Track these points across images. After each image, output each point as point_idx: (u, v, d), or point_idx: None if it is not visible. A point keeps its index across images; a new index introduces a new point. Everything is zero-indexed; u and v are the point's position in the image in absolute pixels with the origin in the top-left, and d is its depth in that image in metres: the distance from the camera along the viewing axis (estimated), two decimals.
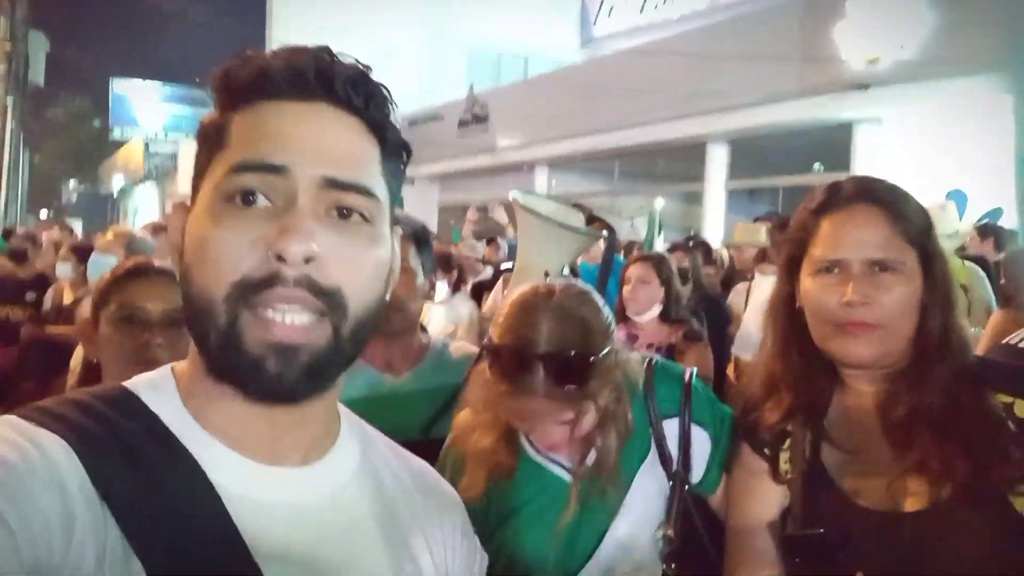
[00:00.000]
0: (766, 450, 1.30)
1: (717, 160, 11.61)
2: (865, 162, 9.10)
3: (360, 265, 0.71)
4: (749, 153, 11.25)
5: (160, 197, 27.35)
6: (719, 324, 4.44)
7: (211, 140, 0.73)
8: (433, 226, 12.79)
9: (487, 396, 1.33)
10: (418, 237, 1.81)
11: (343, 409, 0.84)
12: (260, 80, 0.71)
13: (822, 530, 1.16)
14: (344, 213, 0.70)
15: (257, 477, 0.71)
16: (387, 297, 0.77)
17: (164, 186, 27.16)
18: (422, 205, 16.49)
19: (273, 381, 0.66)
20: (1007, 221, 6.49)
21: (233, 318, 0.66)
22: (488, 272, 6.64)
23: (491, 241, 8.15)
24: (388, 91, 0.76)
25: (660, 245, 5.33)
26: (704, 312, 4.11)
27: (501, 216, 10.00)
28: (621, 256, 5.15)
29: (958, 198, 7.25)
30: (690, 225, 11.61)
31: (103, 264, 3.64)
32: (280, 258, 0.65)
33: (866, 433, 1.22)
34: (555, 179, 15.02)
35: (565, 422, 1.29)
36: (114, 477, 0.64)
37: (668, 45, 11.38)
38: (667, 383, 1.44)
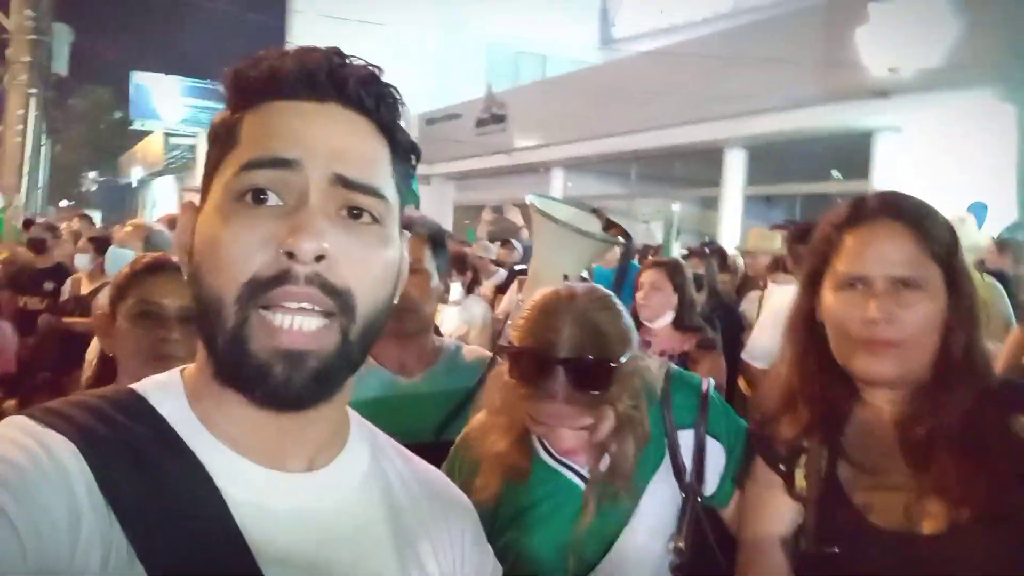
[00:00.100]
0: (781, 465, 1.29)
1: (735, 165, 11.54)
2: (884, 171, 9.02)
3: (370, 266, 0.70)
4: (767, 159, 11.18)
5: (178, 190, 27.55)
6: (733, 332, 4.41)
7: (221, 139, 0.73)
8: (448, 225, 12.77)
9: (505, 399, 1.33)
10: (434, 239, 1.81)
11: (353, 414, 0.84)
12: (271, 80, 0.71)
13: (837, 549, 1.15)
14: (354, 213, 0.70)
15: (263, 482, 0.71)
16: (395, 300, 0.77)
17: (183, 179, 27.36)
18: (438, 204, 16.52)
19: (280, 387, 0.66)
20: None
21: (242, 320, 0.66)
22: (502, 274, 6.63)
23: (505, 243, 8.13)
24: (399, 92, 0.76)
25: (676, 250, 5.29)
26: (718, 320, 4.09)
27: (516, 217, 10.00)
28: (636, 261, 5.12)
29: (978, 210, 7.18)
30: (706, 230, 11.55)
31: (121, 257, 3.67)
32: (291, 256, 0.65)
33: (884, 451, 1.20)
34: (571, 181, 14.99)
35: (583, 427, 1.29)
36: (120, 481, 0.64)
37: (688, 48, 11.33)
38: (684, 392, 1.43)
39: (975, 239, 5.56)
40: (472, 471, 1.39)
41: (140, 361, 1.47)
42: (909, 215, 1.20)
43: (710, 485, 1.40)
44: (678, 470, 1.39)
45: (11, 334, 3.71)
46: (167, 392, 0.73)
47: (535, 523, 1.36)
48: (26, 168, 14.35)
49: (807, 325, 1.30)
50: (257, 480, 0.71)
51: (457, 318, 4.51)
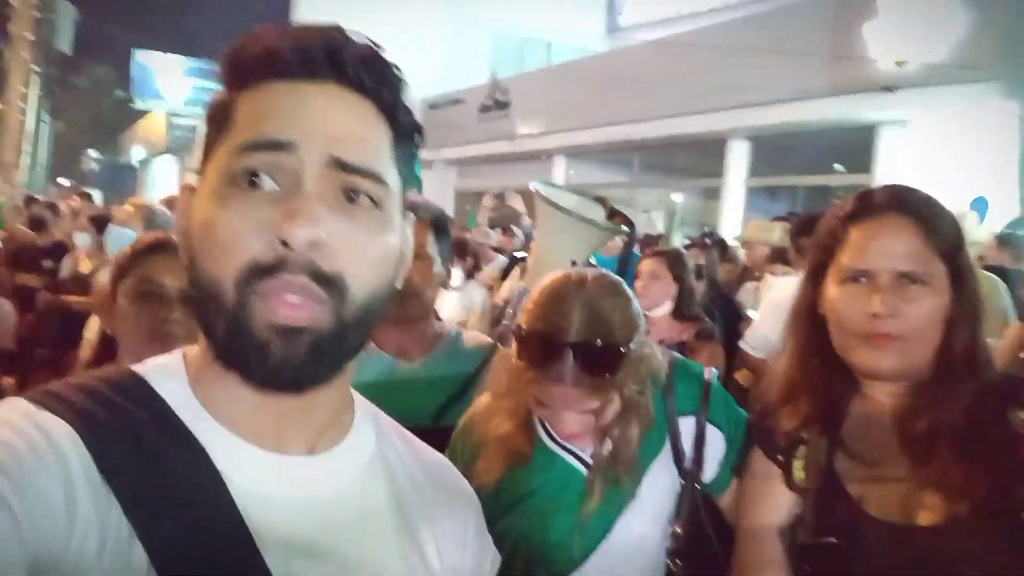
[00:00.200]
0: (780, 456, 1.30)
1: (738, 156, 11.52)
2: (887, 165, 9.01)
3: (366, 251, 0.69)
4: (770, 151, 11.16)
5: (179, 170, 27.48)
6: (733, 322, 4.42)
7: (217, 121, 0.71)
8: (449, 211, 12.69)
9: (512, 382, 1.34)
10: (437, 224, 1.81)
11: (358, 398, 0.83)
12: (267, 59, 0.69)
13: (835, 540, 1.16)
14: (352, 197, 0.68)
15: (264, 466, 0.70)
16: (398, 284, 0.76)
17: (184, 159, 27.28)
18: (440, 189, 16.49)
19: (278, 366, 0.65)
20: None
21: (242, 302, 0.65)
22: (501, 260, 6.62)
23: (506, 229, 8.12)
24: (401, 71, 0.73)
25: (678, 241, 5.28)
26: (718, 310, 4.09)
27: (517, 204, 9.98)
28: (638, 251, 5.12)
29: (980, 205, 7.17)
30: (707, 221, 11.54)
31: (122, 236, 3.67)
32: (285, 243, 0.64)
33: (883, 444, 1.21)
34: (573, 169, 14.96)
35: (590, 411, 1.30)
36: (120, 463, 0.64)
37: (693, 38, 11.27)
38: (686, 380, 1.44)
39: (976, 235, 5.55)
40: (474, 454, 1.39)
41: (140, 340, 1.48)
42: (916, 210, 1.20)
43: (709, 472, 1.42)
44: (678, 456, 1.40)
45: (11, 311, 3.71)
46: (168, 375, 0.73)
47: (536, 507, 1.37)
48: (27, 146, 14.31)
49: (809, 317, 1.30)
50: (258, 464, 0.70)
51: (457, 304, 4.51)
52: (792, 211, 8.55)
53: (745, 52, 9.71)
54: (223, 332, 0.66)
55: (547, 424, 1.39)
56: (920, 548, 1.11)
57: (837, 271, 1.23)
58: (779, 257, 4.66)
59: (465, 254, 5.35)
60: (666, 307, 3.55)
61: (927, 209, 1.21)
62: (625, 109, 12.07)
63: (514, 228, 8.10)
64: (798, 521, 1.24)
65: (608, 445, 1.35)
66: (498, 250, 7.29)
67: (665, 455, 1.40)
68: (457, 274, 4.64)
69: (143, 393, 0.70)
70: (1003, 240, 5.66)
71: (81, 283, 4.04)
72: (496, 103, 15.77)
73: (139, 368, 0.73)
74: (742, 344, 3.61)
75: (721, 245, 6.08)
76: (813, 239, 1.33)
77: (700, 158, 12.47)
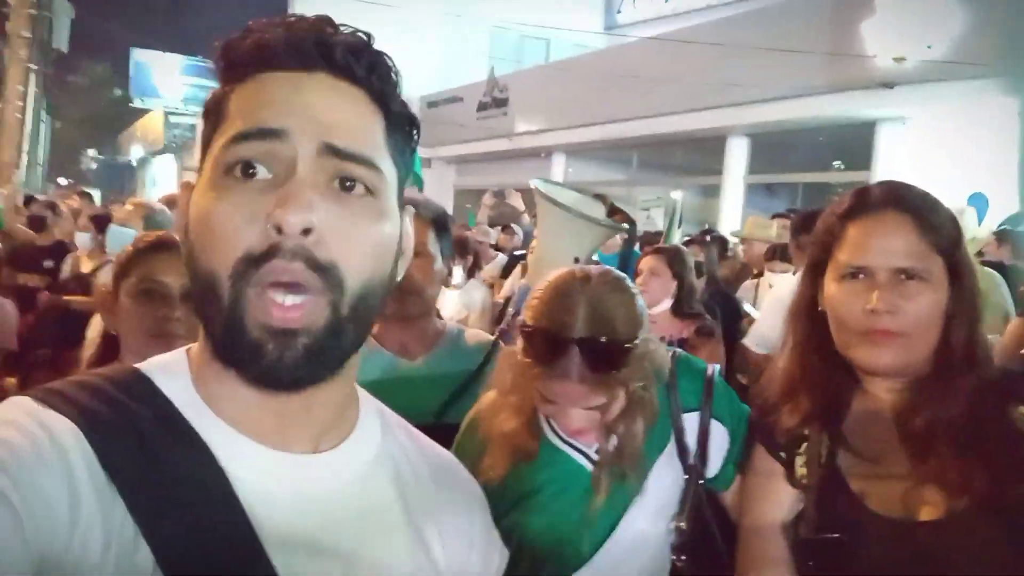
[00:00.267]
0: (782, 453, 1.30)
1: (737, 153, 11.53)
2: (886, 162, 9.02)
3: (361, 240, 0.68)
4: (769, 148, 11.17)
5: (178, 169, 27.47)
6: (733, 319, 4.42)
7: (213, 115, 0.72)
8: (449, 209, 12.65)
9: (517, 378, 1.34)
10: (437, 222, 1.81)
11: (366, 397, 0.83)
12: (258, 52, 0.70)
13: (838, 535, 1.16)
14: (347, 185, 0.68)
15: (268, 464, 0.70)
16: (397, 276, 0.75)
17: (183, 158, 27.27)
18: (439, 187, 16.47)
19: (272, 366, 0.65)
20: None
21: (237, 296, 0.65)
22: (501, 259, 6.62)
23: (505, 228, 8.11)
24: (392, 61, 0.73)
25: (677, 238, 5.28)
26: (718, 307, 4.09)
27: (517, 202, 9.96)
28: (638, 248, 5.12)
29: (979, 201, 7.17)
30: (707, 218, 11.55)
31: (122, 235, 3.67)
32: (279, 230, 0.64)
33: (884, 440, 1.21)
34: (572, 167, 14.96)
35: (595, 407, 1.30)
36: (124, 461, 0.64)
37: (692, 35, 11.27)
38: (689, 376, 1.45)
39: (974, 232, 5.56)
40: (480, 451, 1.40)
41: (143, 339, 1.48)
42: (913, 206, 1.20)
43: (713, 467, 1.42)
44: (682, 452, 1.41)
45: (12, 311, 3.71)
46: (171, 372, 0.73)
47: (540, 503, 1.38)
48: (25, 145, 14.29)
49: (809, 314, 1.30)
50: (262, 462, 0.70)
51: (457, 302, 4.51)
52: (791, 208, 8.56)
53: (743, 49, 9.71)
54: (220, 330, 0.67)
55: (552, 421, 1.39)
56: (921, 544, 1.11)
57: (835, 268, 1.24)
58: (778, 254, 4.66)
59: (466, 252, 5.34)
60: (666, 304, 3.54)
61: (924, 205, 1.21)
62: (624, 106, 12.07)
63: (514, 226, 8.09)
64: (800, 517, 1.25)
65: (613, 441, 1.36)
66: (498, 248, 7.29)
67: (669, 451, 1.41)
68: (457, 272, 4.64)
69: (146, 391, 0.70)
70: (1002, 236, 5.67)
71: (82, 283, 4.04)
72: (495, 101, 15.76)
73: (142, 366, 0.73)
74: (745, 341, 3.62)
75: (721, 242, 6.08)
76: (811, 236, 1.34)
77: (699, 155, 12.48)
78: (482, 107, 16.00)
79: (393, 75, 0.73)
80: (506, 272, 5.77)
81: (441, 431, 1.43)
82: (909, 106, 8.71)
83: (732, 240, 6.65)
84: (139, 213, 4.08)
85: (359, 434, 0.78)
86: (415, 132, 0.78)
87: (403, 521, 0.78)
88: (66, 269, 5.12)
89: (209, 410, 0.70)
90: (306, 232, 0.64)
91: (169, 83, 27.27)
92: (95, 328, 2.27)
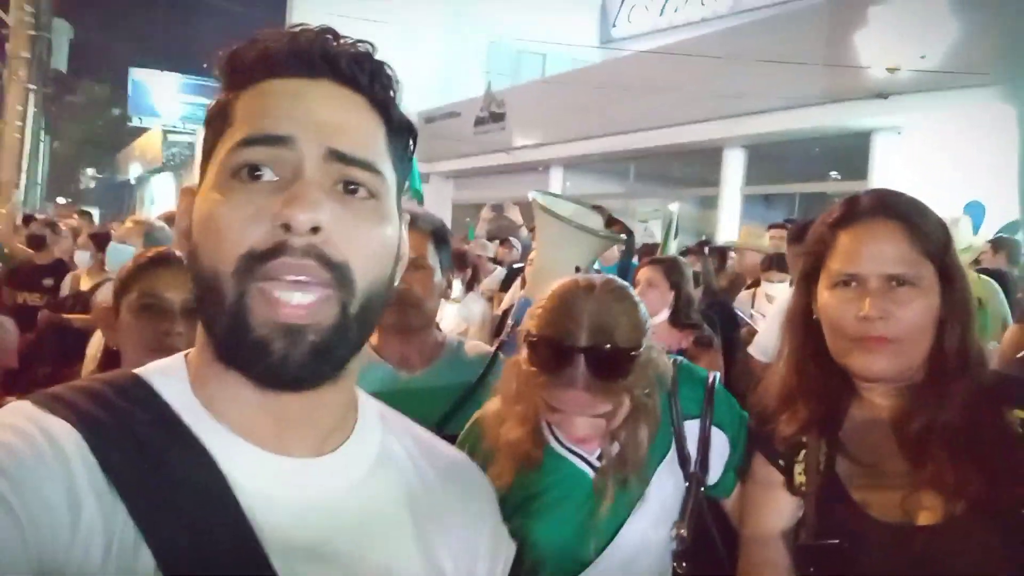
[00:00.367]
0: (781, 461, 1.31)
1: (734, 165, 11.55)
2: (883, 171, 9.04)
3: (367, 241, 0.70)
4: (766, 159, 11.19)
5: (177, 187, 27.53)
6: (730, 330, 4.42)
7: (217, 122, 0.73)
8: (447, 223, 12.64)
9: (522, 387, 1.35)
10: (437, 234, 1.82)
11: (367, 400, 0.83)
12: (264, 59, 0.71)
13: (838, 541, 1.17)
14: (350, 188, 0.70)
15: (268, 468, 0.70)
16: (395, 282, 0.76)
17: (181, 176, 27.33)
18: (437, 202, 16.48)
19: (279, 364, 0.66)
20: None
21: (241, 293, 0.65)
22: (500, 272, 6.63)
23: (504, 241, 8.12)
24: (393, 70, 0.75)
25: (675, 249, 5.29)
26: (716, 316, 4.09)
27: (516, 215, 9.98)
28: (636, 260, 5.13)
29: (976, 210, 7.19)
30: (704, 230, 11.57)
31: (122, 253, 3.68)
32: (287, 228, 0.65)
33: (881, 446, 1.22)
34: (570, 180, 14.98)
35: (601, 415, 1.31)
36: (124, 465, 0.64)
37: (687, 47, 11.33)
38: (690, 384, 1.46)
39: (969, 240, 5.57)
40: (486, 460, 1.40)
41: (144, 354, 1.48)
42: (902, 213, 1.22)
43: (714, 474, 1.43)
44: (683, 459, 1.41)
45: (12, 329, 3.71)
46: (170, 377, 0.73)
47: (543, 511, 1.38)
48: (25, 164, 14.31)
49: (804, 323, 1.31)
50: (262, 465, 0.70)
51: (456, 315, 4.51)
52: (789, 218, 8.58)
53: (739, 61, 9.76)
54: (223, 329, 0.67)
55: (556, 429, 1.40)
56: (920, 548, 1.11)
57: (828, 276, 1.25)
58: (775, 263, 4.67)
59: (464, 266, 5.35)
60: (663, 315, 3.55)
61: (913, 212, 1.22)
62: (620, 119, 12.11)
63: (512, 239, 8.10)
64: (800, 524, 1.25)
65: (616, 447, 1.36)
66: (497, 261, 7.30)
67: (671, 458, 1.42)
68: (456, 286, 4.65)
69: (145, 395, 0.71)
70: (998, 244, 5.69)
71: (82, 301, 4.04)
72: (492, 115, 15.80)
73: (141, 371, 0.74)
74: (750, 350, 3.62)
75: (721, 253, 6.10)
76: (803, 245, 1.35)
77: (696, 167, 12.50)
78: (479, 122, 16.04)
79: (394, 83, 0.76)
80: (505, 285, 5.77)
81: None
82: (904, 116, 8.74)
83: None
84: (139, 230, 4.09)
85: (358, 438, 0.78)
86: (413, 140, 0.80)
87: (407, 524, 0.78)
88: (66, 287, 5.13)
89: (207, 413, 0.71)
90: (315, 230, 0.65)
91: (167, 102, 27.37)
92: (95, 345, 2.28)
